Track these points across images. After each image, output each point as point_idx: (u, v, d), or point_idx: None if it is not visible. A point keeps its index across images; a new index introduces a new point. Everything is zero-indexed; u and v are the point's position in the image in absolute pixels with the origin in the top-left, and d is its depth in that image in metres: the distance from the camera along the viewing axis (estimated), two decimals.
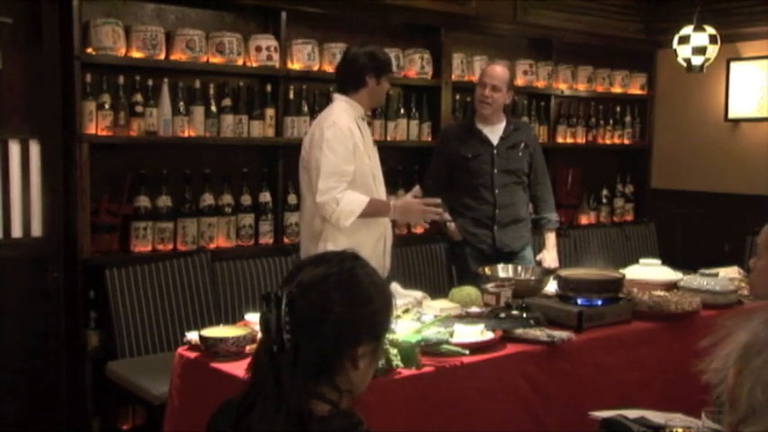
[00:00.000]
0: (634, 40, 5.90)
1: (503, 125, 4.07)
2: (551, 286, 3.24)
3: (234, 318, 3.53)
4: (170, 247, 3.98)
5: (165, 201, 3.96)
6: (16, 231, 3.62)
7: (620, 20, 5.76)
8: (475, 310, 2.97)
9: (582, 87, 5.67)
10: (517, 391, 2.66)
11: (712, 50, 5.11)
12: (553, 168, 4.36)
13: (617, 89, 5.91)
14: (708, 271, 3.53)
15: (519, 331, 2.76)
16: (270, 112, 4.25)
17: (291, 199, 4.34)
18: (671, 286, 3.40)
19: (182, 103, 4.00)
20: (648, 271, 3.50)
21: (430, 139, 4.83)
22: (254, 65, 4.19)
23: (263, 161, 4.35)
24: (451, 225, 4.02)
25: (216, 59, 4.07)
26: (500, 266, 3.51)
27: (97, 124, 3.75)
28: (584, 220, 5.79)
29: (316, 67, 4.40)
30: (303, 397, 1.38)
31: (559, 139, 5.54)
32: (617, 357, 2.93)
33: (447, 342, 2.56)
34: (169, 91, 3.95)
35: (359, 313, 1.44)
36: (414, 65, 4.76)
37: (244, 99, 4.19)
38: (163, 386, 2.97)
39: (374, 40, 4.62)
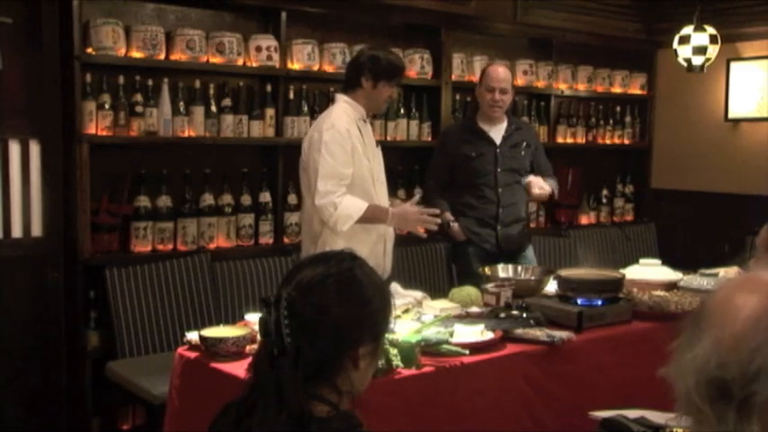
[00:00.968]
0: (634, 40, 5.90)
1: (504, 124, 4.09)
2: (551, 286, 3.24)
3: (234, 318, 3.53)
4: (170, 247, 3.98)
5: (165, 201, 3.96)
6: (16, 231, 3.62)
7: (620, 20, 5.76)
8: (475, 310, 2.98)
9: (582, 87, 5.67)
10: (517, 392, 2.66)
11: (712, 50, 5.10)
12: (553, 168, 4.36)
13: (617, 89, 5.91)
14: (708, 271, 3.53)
15: (519, 331, 2.77)
16: (270, 112, 4.25)
17: (291, 199, 4.34)
18: (671, 286, 3.40)
19: (182, 103, 4.00)
20: (648, 271, 3.50)
21: (430, 139, 4.83)
22: (254, 65, 4.19)
23: (263, 161, 4.35)
24: (455, 225, 4.02)
25: (216, 59, 4.07)
26: (500, 266, 3.52)
27: (97, 124, 3.75)
28: (584, 220, 5.79)
29: (316, 67, 4.40)
30: (303, 399, 1.38)
31: (559, 139, 5.54)
32: (617, 357, 2.93)
33: (447, 342, 2.56)
34: (169, 91, 3.95)
35: (358, 313, 1.44)
36: (414, 65, 4.76)
37: (244, 99, 4.19)
38: (163, 386, 2.97)
39: (374, 40, 4.63)
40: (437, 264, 4.71)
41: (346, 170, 3.21)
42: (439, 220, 3.42)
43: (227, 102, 4.14)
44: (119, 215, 3.84)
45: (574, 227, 5.61)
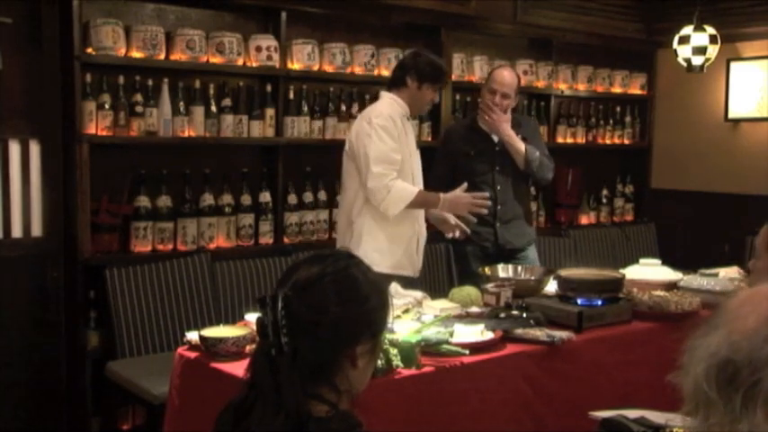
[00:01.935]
0: (634, 40, 5.91)
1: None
2: (551, 286, 3.24)
3: (234, 318, 3.53)
4: (170, 247, 3.99)
5: (165, 201, 3.97)
6: (16, 231, 3.62)
7: (620, 20, 5.76)
8: (475, 310, 2.97)
9: (582, 87, 5.67)
10: (517, 391, 2.66)
11: (712, 50, 5.10)
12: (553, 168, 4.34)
13: (617, 89, 5.91)
14: (708, 271, 3.52)
15: (519, 331, 2.76)
16: (270, 112, 4.25)
17: (291, 199, 4.35)
18: (671, 286, 3.40)
19: (182, 103, 4.00)
20: (648, 271, 3.49)
21: (430, 139, 4.83)
22: (254, 65, 4.19)
23: (263, 161, 4.35)
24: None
25: (216, 59, 4.07)
26: (500, 266, 3.52)
27: (97, 124, 3.75)
28: (584, 220, 5.79)
29: (316, 67, 4.40)
30: (302, 399, 1.38)
31: (559, 139, 5.54)
32: (617, 357, 2.93)
33: (447, 342, 2.56)
34: (169, 91, 3.95)
35: (356, 312, 1.44)
36: None
37: (244, 99, 4.19)
38: (163, 386, 2.97)
39: (374, 40, 4.63)
40: (437, 264, 4.71)
41: (396, 155, 3.31)
42: (489, 203, 3.56)
43: (227, 102, 4.14)
44: (119, 215, 3.84)
45: (574, 227, 5.61)
